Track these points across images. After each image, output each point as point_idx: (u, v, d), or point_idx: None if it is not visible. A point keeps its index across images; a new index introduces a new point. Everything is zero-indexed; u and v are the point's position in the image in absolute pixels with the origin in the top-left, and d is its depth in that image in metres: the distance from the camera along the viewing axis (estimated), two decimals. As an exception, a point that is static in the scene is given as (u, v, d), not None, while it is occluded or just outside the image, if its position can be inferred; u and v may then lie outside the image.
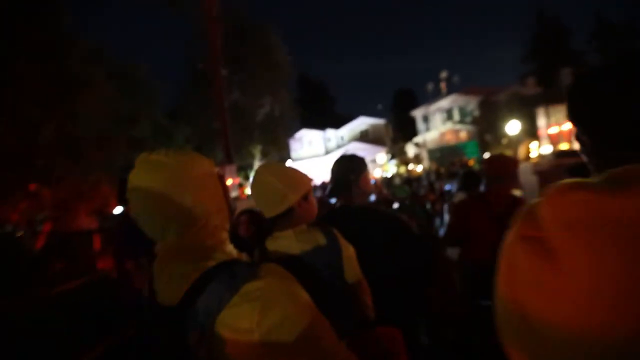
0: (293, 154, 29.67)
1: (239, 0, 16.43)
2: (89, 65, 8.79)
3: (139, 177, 0.72)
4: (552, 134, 18.77)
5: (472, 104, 25.91)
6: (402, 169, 26.53)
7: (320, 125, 33.21)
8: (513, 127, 19.12)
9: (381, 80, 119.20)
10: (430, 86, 29.55)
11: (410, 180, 18.24)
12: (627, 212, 0.29)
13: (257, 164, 18.66)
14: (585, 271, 0.29)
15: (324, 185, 21.16)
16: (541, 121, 19.40)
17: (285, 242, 1.16)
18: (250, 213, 3.21)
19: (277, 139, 18.00)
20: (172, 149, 0.75)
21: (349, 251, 1.19)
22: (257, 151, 17.99)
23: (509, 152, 20.41)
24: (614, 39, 32.40)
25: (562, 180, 0.35)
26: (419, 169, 20.19)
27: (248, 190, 18.99)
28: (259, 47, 16.69)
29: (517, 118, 19.78)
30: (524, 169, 2.97)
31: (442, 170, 15.52)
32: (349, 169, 1.65)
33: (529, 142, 20.12)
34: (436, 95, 29.04)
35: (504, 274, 0.35)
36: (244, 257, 0.80)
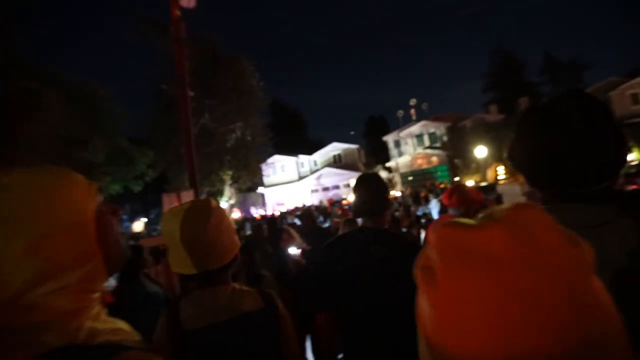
0: (265, 179, 29.06)
1: (209, 27, 16.39)
2: (40, 88, 8.13)
3: None
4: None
5: (441, 129, 26.91)
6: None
7: (293, 151, 33.11)
8: (480, 151, 19.82)
9: (352, 108, 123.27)
10: (400, 113, 30.64)
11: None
12: (492, 243, 0.31)
13: (227, 190, 17.90)
14: (455, 298, 0.31)
15: (297, 210, 20.71)
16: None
17: (207, 305, 0.95)
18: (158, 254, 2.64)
19: (248, 165, 17.44)
20: (20, 162, 0.50)
21: (287, 322, 1.04)
22: (227, 177, 17.27)
23: (477, 176, 21.07)
24: (560, 73, 36.24)
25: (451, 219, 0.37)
26: (397, 193, 20.17)
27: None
28: (230, 73, 16.49)
29: (483, 143, 20.58)
30: (512, 190, 2.86)
31: (423, 193, 15.44)
32: (384, 188, 1.55)
33: (497, 166, 20.86)
34: (407, 122, 30.07)
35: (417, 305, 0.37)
36: (116, 333, 0.52)
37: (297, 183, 30.61)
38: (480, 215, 0.35)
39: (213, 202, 1.04)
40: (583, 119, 0.68)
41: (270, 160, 23.99)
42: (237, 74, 16.54)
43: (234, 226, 1.07)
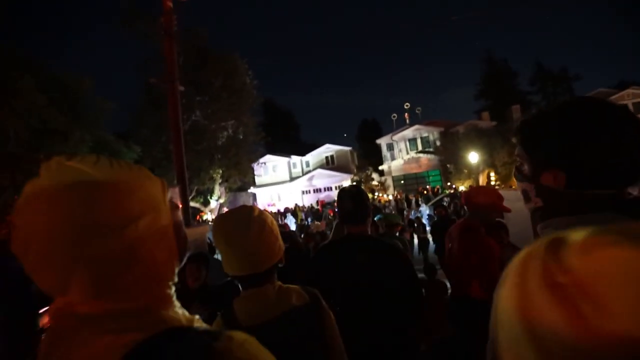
0: (257, 179, 28.72)
1: (202, 22, 16.11)
2: (16, 72, 7.68)
3: (43, 190, 0.47)
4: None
5: (434, 134, 27.00)
6: (369, 196, 26.50)
7: (285, 151, 32.82)
8: (473, 157, 19.90)
9: (346, 111, 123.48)
10: (394, 116, 30.67)
11: (378, 207, 18.08)
12: None
13: (217, 189, 17.54)
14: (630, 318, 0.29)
15: (287, 210, 20.46)
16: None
17: (259, 303, 1.04)
18: (199, 260, 2.53)
19: (239, 163, 17.10)
20: (102, 156, 0.52)
21: (330, 317, 1.13)
22: (217, 175, 16.92)
23: (470, 181, 21.13)
24: (550, 83, 36.84)
25: (586, 230, 0.35)
26: (390, 196, 20.08)
27: (207, 216, 17.73)
28: (222, 70, 16.18)
29: (476, 149, 20.67)
30: (511, 195, 2.76)
31: (413, 197, 15.37)
32: (365, 198, 1.69)
33: (489, 171, 20.95)
34: (400, 126, 30.11)
35: (526, 324, 0.34)
36: (197, 322, 0.56)
37: (288, 184, 30.36)
38: (607, 229, 0.34)
39: (256, 210, 1.10)
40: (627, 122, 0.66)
41: (262, 159, 23.63)
42: (229, 71, 16.23)
43: (277, 232, 1.11)
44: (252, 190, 27.69)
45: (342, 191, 1.73)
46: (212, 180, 17.06)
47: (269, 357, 0.55)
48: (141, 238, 0.50)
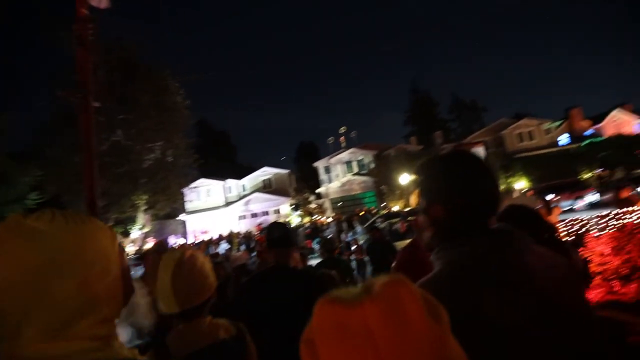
0: (188, 205, 26.70)
1: (133, 37, 14.85)
2: None
3: (4, 249, 0.55)
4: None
5: (368, 157, 28.32)
6: (307, 219, 26.35)
7: (220, 175, 31.37)
8: (404, 178, 21.17)
9: (284, 134, 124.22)
10: (331, 140, 31.58)
11: (317, 230, 17.90)
12: (367, 320, 0.35)
13: (141, 217, 15.69)
14: None
15: (222, 238, 19.16)
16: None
17: (190, 336, 1.12)
18: None
19: (168, 188, 15.61)
20: (57, 212, 0.60)
21: (253, 350, 1.21)
22: (142, 202, 15.18)
23: (402, 202, 22.35)
24: (464, 112, 42.09)
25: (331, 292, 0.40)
26: (329, 218, 20.08)
27: (128, 248, 15.61)
28: (151, 87, 14.93)
29: (406, 171, 22.07)
30: None
31: (356, 218, 15.49)
32: (290, 232, 1.87)
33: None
34: (336, 149, 31.05)
35: None
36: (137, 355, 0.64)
37: (224, 209, 28.83)
38: (359, 288, 0.39)
39: (186, 252, 1.20)
40: (482, 166, 0.86)
41: (194, 184, 22.07)
42: (159, 89, 15.05)
43: (207, 269, 1.21)
44: (182, 217, 25.54)
45: (269, 226, 1.95)
46: (135, 207, 15.26)
47: None
48: (94, 282, 0.58)
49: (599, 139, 26.69)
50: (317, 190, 29.81)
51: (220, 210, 28.61)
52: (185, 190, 18.94)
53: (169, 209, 17.49)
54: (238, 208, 28.82)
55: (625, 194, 6.96)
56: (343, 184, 28.68)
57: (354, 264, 9.07)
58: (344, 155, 29.75)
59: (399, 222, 13.03)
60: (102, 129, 14.70)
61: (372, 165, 26.87)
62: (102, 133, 14.78)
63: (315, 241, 16.33)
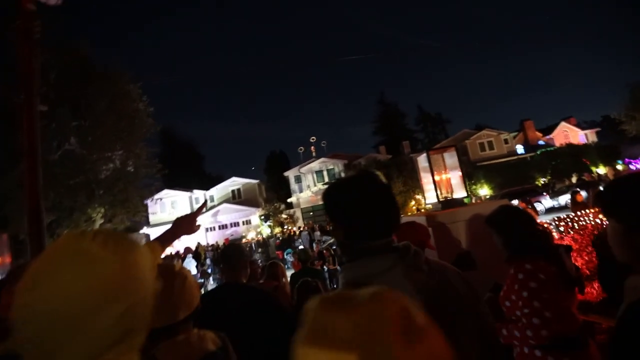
0: (152, 217, 25.35)
1: (80, 38, 13.96)
2: None
3: (58, 274, 0.51)
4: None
5: (339, 166, 28.47)
6: (277, 230, 25.86)
7: (187, 185, 30.15)
8: (374, 187, 21.47)
9: (253, 144, 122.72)
10: (301, 149, 31.48)
11: (288, 240, 17.53)
12: (344, 326, 0.38)
13: (97, 232, 14.58)
14: None
15: (188, 252, 18.22)
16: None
17: (182, 349, 1.13)
18: None
19: (128, 200, 14.61)
20: (109, 234, 0.58)
21: (235, 357, 1.24)
22: (98, 215, 14.10)
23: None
24: (430, 124, 43.86)
25: None
26: (300, 228, 19.76)
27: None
28: (109, 92, 14.04)
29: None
30: (418, 220, 2.68)
31: (328, 227, 15.34)
32: (243, 254, 2.05)
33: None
34: (307, 158, 30.95)
35: None
36: None
37: (190, 221, 27.62)
38: (347, 293, 0.43)
39: (168, 268, 1.21)
40: (377, 190, 0.91)
41: (158, 195, 20.94)
42: (118, 94, 14.19)
43: (193, 281, 1.21)
44: (145, 230, 24.13)
45: (224, 249, 2.13)
46: (91, 221, 14.13)
47: None
48: (134, 313, 0.56)
49: (550, 148, 28.66)
50: (288, 200, 29.46)
51: (186, 222, 27.42)
52: (148, 202, 17.89)
53: (130, 222, 16.38)
54: (206, 219, 27.75)
55: (580, 198, 7.41)
56: (314, 194, 28.55)
57: (326, 274, 8.91)
58: (315, 165, 29.72)
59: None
60: (54, 136, 13.59)
61: (343, 175, 27.02)
62: (54, 140, 13.67)
63: (285, 252, 15.96)
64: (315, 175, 29.53)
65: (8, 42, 10.69)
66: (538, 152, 28.01)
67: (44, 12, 7.13)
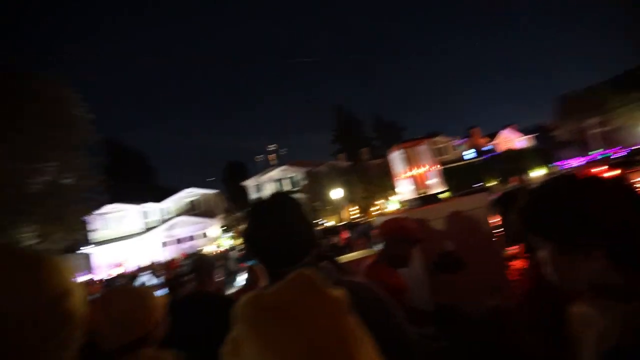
0: (96, 234, 23.12)
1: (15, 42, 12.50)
2: None
3: None
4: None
5: (299, 174, 28.19)
6: (239, 241, 24.87)
7: (137, 198, 28.06)
8: (336, 193, 21.41)
9: (209, 154, 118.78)
10: (259, 158, 30.81)
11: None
12: (278, 299, 0.42)
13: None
14: (255, 352, 0.39)
15: (142, 270, 16.78)
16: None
17: None
18: None
19: (64, 217, 13.11)
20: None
21: None
22: (28, 235, 12.47)
23: (335, 217, 22.49)
24: (386, 131, 45.26)
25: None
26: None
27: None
28: (39, 98, 12.60)
29: (337, 186, 22.40)
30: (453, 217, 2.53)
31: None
32: (210, 265, 2.11)
33: (349, 206, 22.83)
34: (265, 167, 30.32)
35: None
36: None
37: (143, 236, 25.69)
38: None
39: (125, 290, 1.26)
40: (282, 213, 0.87)
41: (102, 210, 19.15)
42: (50, 100, 12.78)
43: (150, 299, 1.17)
44: (87, 249, 21.93)
45: (193, 261, 2.14)
46: (20, 242, 12.45)
47: None
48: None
49: (496, 153, 30.89)
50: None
51: (138, 237, 25.44)
52: (90, 218, 16.25)
53: (68, 241, 14.71)
54: (161, 234, 25.98)
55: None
56: (275, 203, 27.96)
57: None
58: (275, 173, 29.20)
59: (337, 236, 12.89)
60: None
61: (304, 182, 26.78)
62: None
63: (248, 263, 15.24)
64: (275, 184, 28.98)
65: None
66: (487, 156, 30.02)
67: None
